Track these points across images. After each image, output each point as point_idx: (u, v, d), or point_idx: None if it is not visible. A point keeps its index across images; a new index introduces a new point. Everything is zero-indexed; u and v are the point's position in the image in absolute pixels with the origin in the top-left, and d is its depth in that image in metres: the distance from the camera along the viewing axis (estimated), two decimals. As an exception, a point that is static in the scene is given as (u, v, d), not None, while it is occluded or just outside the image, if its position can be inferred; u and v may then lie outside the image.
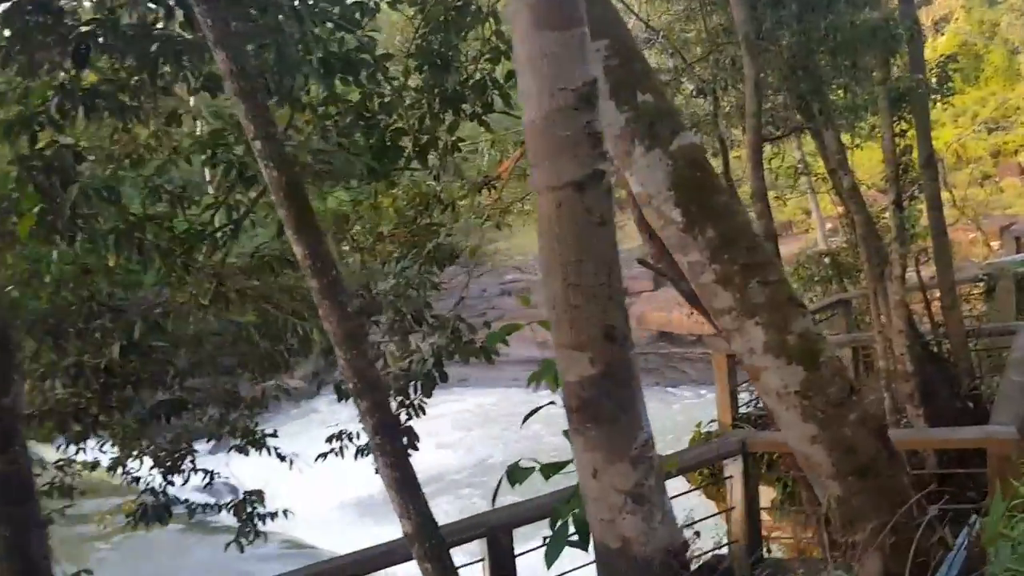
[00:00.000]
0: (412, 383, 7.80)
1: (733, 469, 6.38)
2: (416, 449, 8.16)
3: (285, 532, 18.86)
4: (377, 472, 2.97)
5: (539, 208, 1.91)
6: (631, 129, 3.09)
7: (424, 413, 7.90)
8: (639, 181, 3.16)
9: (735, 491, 6.41)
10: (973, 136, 30.94)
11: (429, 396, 7.92)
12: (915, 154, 7.56)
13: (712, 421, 9.69)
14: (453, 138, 8.65)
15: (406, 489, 2.90)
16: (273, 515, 7.39)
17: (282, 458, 7.56)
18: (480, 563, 5.06)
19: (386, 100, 7.04)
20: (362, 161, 8.09)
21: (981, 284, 10.36)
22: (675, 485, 6.19)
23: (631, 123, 3.10)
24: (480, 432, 27.43)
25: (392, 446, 2.88)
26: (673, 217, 3.05)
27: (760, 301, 2.85)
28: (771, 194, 12.76)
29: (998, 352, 8.01)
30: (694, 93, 9.11)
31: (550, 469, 2.55)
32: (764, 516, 8.11)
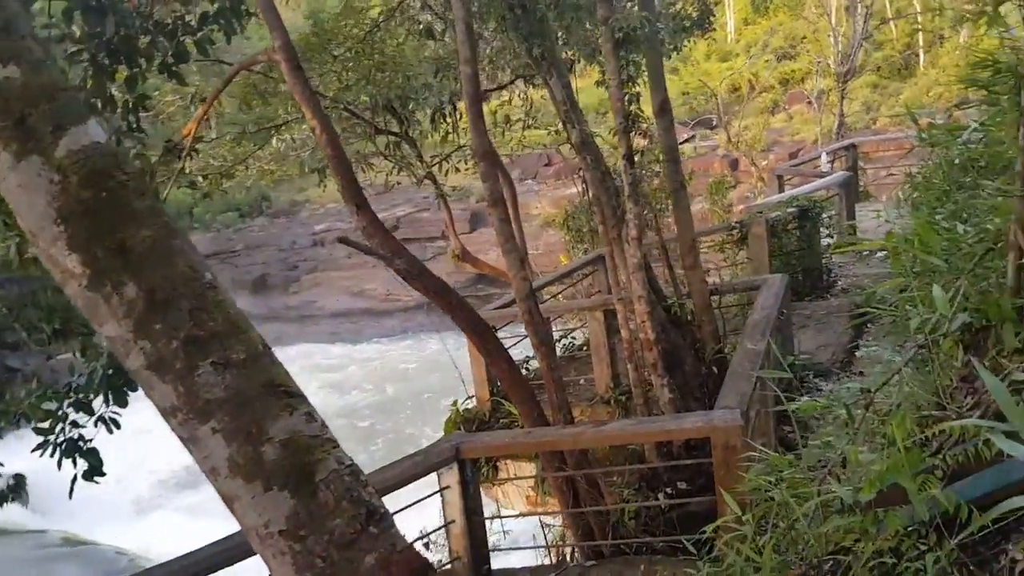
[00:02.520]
0: (96, 393, 6.53)
1: (449, 479, 5.57)
2: (102, 475, 6.88)
3: (68, 527, 17.18)
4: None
5: None
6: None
7: (119, 427, 6.69)
8: (15, 209, 2.03)
9: (453, 503, 5.61)
10: (765, 66, 31.63)
11: (124, 405, 6.69)
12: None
13: (471, 397, 8.94)
14: (135, 95, 7.28)
15: None
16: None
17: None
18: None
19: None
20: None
21: (734, 233, 10.02)
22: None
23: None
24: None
25: None
26: (69, 266, 1.90)
27: (218, 396, 1.82)
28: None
29: (748, 307, 7.60)
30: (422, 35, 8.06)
31: None
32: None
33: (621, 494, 6.98)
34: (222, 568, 4.43)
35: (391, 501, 5.42)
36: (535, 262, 24.16)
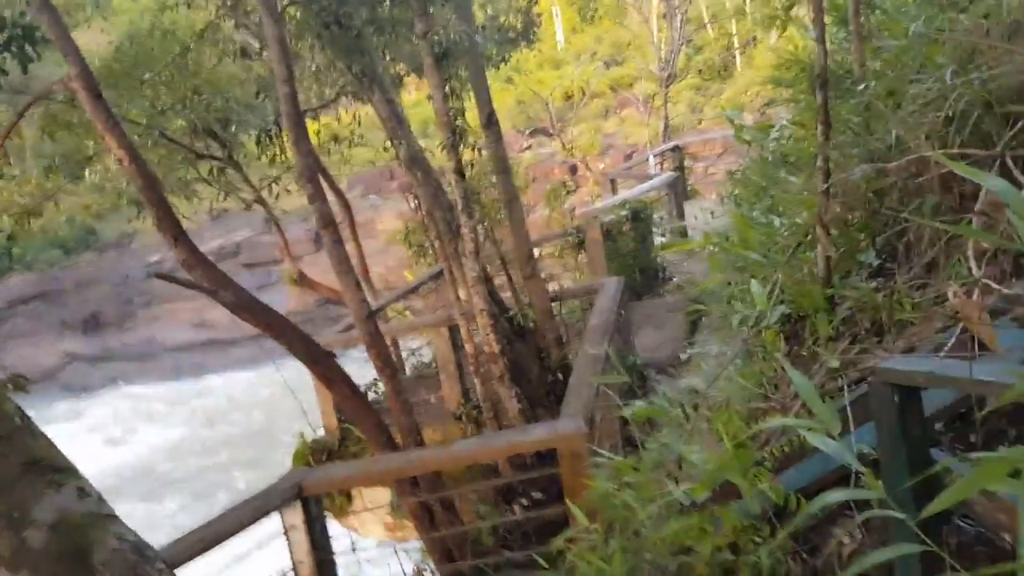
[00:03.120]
0: None
1: (292, 518, 5.30)
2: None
3: None
4: None
5: None
6: None
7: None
8: None
9: (299, 543, 5.34)
10: (594, 73, 32.55)
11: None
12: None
13: (319, 427, 8.64)
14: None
15: None
16: None
17: None
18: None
19: None
20: None
21: (571, 239, 10.19)
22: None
23: None
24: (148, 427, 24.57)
25: None
26: None
27: None
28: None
29: (589, 311, 7.71)
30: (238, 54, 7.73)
31: None
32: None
33: (477, 511, 6.91)
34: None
35: (234, 546, 5.12)
36: (384, 279, 23.86)
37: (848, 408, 2.99)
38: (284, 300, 26.51)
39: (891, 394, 2.45)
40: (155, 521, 18.58)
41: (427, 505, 6.46)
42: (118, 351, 32.00)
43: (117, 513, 1.73)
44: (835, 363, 3.71)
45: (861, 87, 4.35)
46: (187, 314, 31.58)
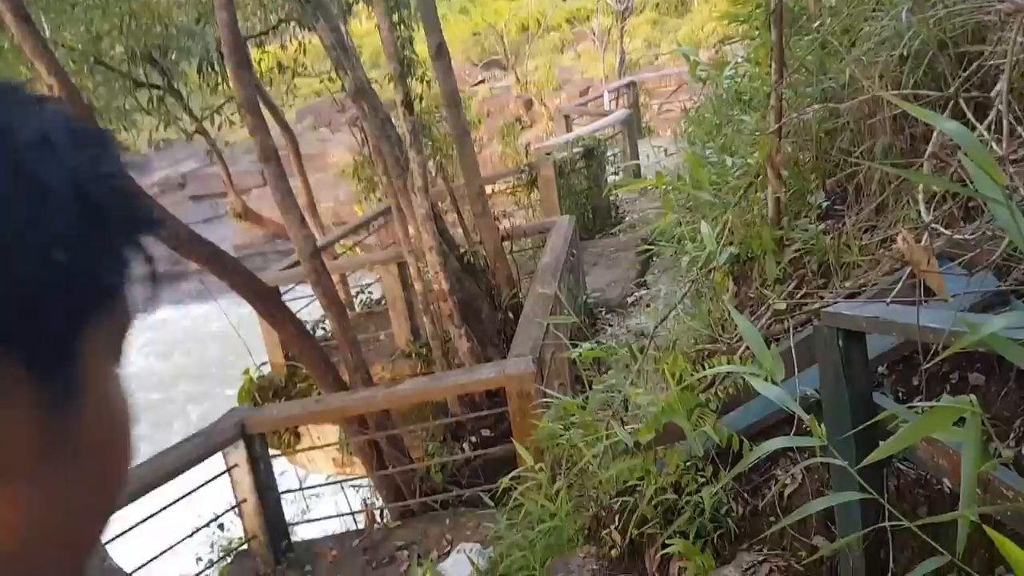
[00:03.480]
0: None
1: (236, 457, 5.24)
2: None
3: None
4: None
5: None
6: None
7: None
8: None
9: (242, 482, 5.29)
10: (551, 4, 31.89)
11: None
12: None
13: (263, 363, 8.51)
14: None
15: None
16: None
17: None
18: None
19: None
20: None
21: (524, 176, 10.04)
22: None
23: None
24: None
25: None
26: None
27: None
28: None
29: (541, 250, 7.64)
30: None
31: None
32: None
33: (426, 448, 6.90)
34: None
35: (178, 485, 5.04)
36: (335, 213, 23.46)
37: (793, 351, 2.97)
38: (232, 234, 26.00)
39: (835, 338, 2.42)
40: None
41: (375, 443, 6.42)
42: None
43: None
44: (781, 305, 3.69)
45: (816, 24, 4.26)
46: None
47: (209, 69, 9.17)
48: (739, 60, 6.48)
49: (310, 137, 27.85)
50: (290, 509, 6.92)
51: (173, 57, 9.24)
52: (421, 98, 6.41)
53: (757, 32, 5.94)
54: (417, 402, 6.49)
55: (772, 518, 3.11)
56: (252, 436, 5.20)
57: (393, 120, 6.61)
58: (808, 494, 2.91)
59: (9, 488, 0.42)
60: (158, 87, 9.22)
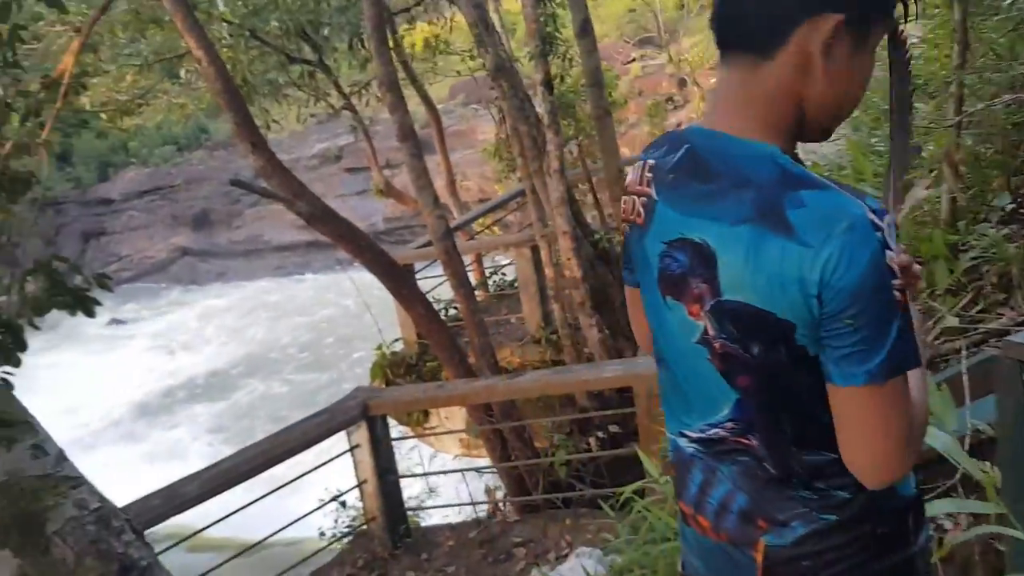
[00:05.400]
0: None
1: (358, 437, 5.20)
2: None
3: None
4: None
5: None
6: None
7: (12, 387, 6.20)
8: None
9: (364, 462, 5.25)
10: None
11: (17, 365, 6.18)
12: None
13: (397, 340, 8.54)
14: (8, 25, 6.57)
15: None
16: None
17: None
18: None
19: None
20: None
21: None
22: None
23: None
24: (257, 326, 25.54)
25: None
26: None
27: None
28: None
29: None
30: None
31: None
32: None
33: (551, 439, 6.70)
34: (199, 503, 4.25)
35: (301, 461, 5.07)
36: (480, 190, 23.58)
37: (965, 376, 2.56)
38: (383, 206, 26.64)
39: (1019, 373, 2.02)
40: (252, 407, 19.62)
41: (499, 431, 6.29)
42: (225, 248, 33.00)
43: (82, 471, 1.50)
44: (953, 321, 3.24)
45: (1008, 2, 3.71)
46: (292, 215, 32.11)
47: (359, 46, 9.23)
48: (915, 40, 5.85)
49: (461, 113, 28.10)
50: (416, 485, 6.91)
51: (325, 33, 9.36)
52: (563, 77, 6.14)
53: (937, 10, 5.33)
54: (539, 395, 6.29)
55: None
56: (374, 418, 5.14)
57: (533, 100, 6.39)
58: (975, 561, 2.49)
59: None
60: (309, 62, 9.38)
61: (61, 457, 1.43)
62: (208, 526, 4.70)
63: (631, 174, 1.28)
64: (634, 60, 26.79)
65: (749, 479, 1.18)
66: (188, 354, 23.51)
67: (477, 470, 6.80)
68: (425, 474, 6.02)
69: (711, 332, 1.12)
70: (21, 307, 6.67)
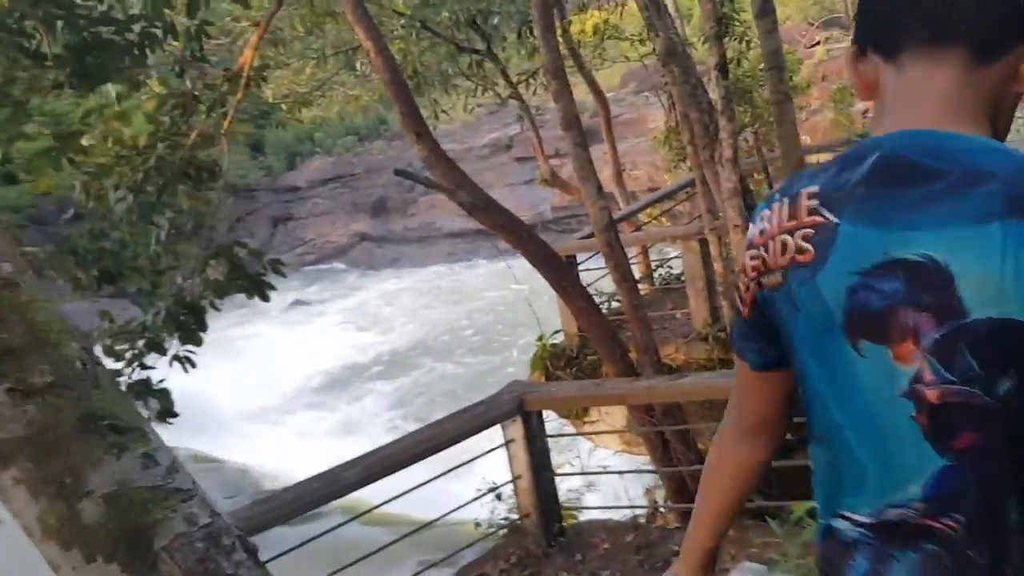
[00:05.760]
0: (171, 332, 6.47)
1: (513, 432, 5.13)
2: (173, 415, 6.84)
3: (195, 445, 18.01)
4: None
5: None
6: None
7: (194, 365, 6.61)
8: None
9: (518, 458, 5.17)
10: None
11: (199, 344, 6.58)
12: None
13: (557, 332, 8.42)
14: (196, 21, 6.95)
15: None
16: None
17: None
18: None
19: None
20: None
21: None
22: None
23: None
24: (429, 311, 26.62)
25: None
26: None
27: (16, 434, 1.34)
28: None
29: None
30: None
31: None
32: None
33: (716, 442, 6.39)
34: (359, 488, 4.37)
35: (458, 452, 5.07)
36: (650, 179, 23.13)
37: None
38: (550, 195, 26.69)
39: None
40: (429, 386, 20.36)
41: (661, 433, 6.05)
42: (400, 234, 34.23)
43: (198, 484, 1.44)
44: None
45: None
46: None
47: (528, 33, 9.18)
48: None
49: (632, 101, 27.68)
50: (574, 477, 6.80)
51: (495, 22, 9.36)
52: (739, 60, 5.79)
53: None
54: (702, 398, 5.99)
55: None
56: (530, 413, 5.05)
57: (706, 85, 6.08)
58: None
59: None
60: (478, 52, 9.41)
61: (173, 467, 1.37)
62: (380, 504, 4.83)
63: (763, 221, 1.05)
64: (818, 43, 25.41)
65: (939, 570, 0.94)
66: (370, 333, 24.91)
67: (636, 472, 6.60)
68: (582, 473, 5.88)
69: (928, 377, 0.90)
70: (204, 290, 7.00)
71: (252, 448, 17.57)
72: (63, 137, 7.11)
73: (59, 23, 6.07)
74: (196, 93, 7.34)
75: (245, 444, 17.82)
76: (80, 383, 1.36)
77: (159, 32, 6.63)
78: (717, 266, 6.42)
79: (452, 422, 5.05)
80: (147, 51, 6.63)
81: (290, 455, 16.20)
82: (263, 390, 19.87)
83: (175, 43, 6.98)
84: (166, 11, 6.55)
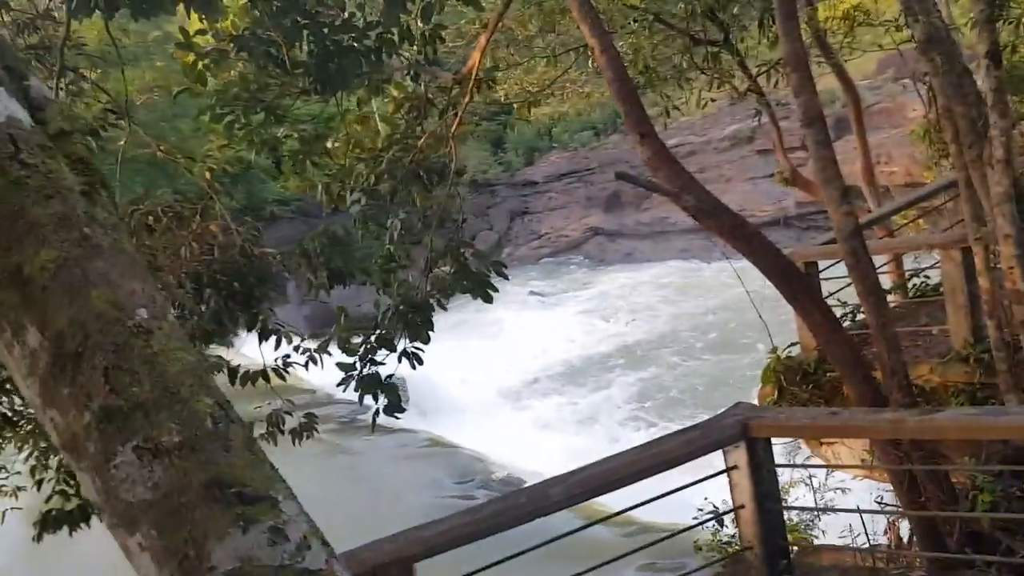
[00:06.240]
0: (399, 329, 6.72)
1: (736, 458, 4.74)
2: (401, 410, 7.07)
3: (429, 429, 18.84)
4: None
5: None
6: None
7: (421, 363, 6.80)
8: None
9: (741, 486, 4.78)
10: None
11: (426, 342, 6.75)
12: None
13: (793, 344, 7.79)
14: (430, 25, 7.10)
15: None
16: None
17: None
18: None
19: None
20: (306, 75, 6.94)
21: None
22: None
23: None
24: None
25: None
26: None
27: (142, 497, 1.17)
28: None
29: None
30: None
31: None
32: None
33: (973, 478, 5.59)
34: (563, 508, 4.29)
35: (673, 474, 4.78)
36: (907, 173, 21.19)
37: None
38: (793, 190, 25.28)
39: None
40: (671, 381, 20.24)
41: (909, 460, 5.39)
42: (632, 229, 33.93)
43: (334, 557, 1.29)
44: None
45: None
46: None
47: (770, 22, 8.57)
48: None
49: (888, 89, 25.53)
50: (808, 495, 6.26)
51: (735, 11, 8.83)
52: (1015, 46, 4.98)
53: None
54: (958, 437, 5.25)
55: None
56: (755, 439, 4.64)
57: (973, 75, 5.30)
58: None
59: None
60: (715, 43, 8.92)
61: (304, 544, 1.22)
62: (623, 511, 4.81)
63: None
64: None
65: None
66: (612, 324, 25.06)
67: (877, 512, 5.94)
68: (815, 509, 5.36)
69: None
70: (431, 289, 7.10)
71: (490, 434, 18.02)
72: (308, 140, 7.54)
73: (304, 32, 6.43)
74: (430, 96, 7.53)
75: (484, 429, 18.38)
76: (209, 444, 1.26)
77: (395, 37, 6.85)
78: (983, 280, 5.61)
79: (667, 444, 4.77)
80: (384, 56, 6.87)
81: (526, 444, 16.59)
82: (505, 376, 20.63)
83: (411, 47, 7.19)
84: (401, 16, 6.75)
